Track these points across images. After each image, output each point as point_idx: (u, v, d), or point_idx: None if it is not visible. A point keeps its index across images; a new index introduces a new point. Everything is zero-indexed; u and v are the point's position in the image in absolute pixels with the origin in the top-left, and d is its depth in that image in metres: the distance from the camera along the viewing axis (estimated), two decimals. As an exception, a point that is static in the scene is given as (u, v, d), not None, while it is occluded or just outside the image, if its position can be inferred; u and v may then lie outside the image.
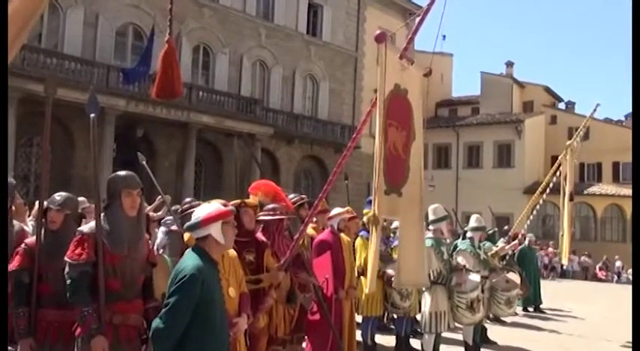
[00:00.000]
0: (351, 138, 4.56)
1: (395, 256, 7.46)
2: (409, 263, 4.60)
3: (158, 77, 4.21)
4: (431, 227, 7.12)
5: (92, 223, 3.70)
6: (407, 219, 4.58)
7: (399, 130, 4.38)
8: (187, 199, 6.26)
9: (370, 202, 7.80)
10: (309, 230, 6.42)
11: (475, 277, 7.22)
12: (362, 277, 7.25)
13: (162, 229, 7.84)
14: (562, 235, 10.58)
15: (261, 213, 4.84)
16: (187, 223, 3.46)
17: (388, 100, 4.17)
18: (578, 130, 10.83)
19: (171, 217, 8.23)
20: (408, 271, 4.61)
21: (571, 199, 9.97)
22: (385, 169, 4.17)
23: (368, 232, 7.28)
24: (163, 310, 3.16)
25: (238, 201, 4.59)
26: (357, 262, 7.20)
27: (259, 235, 4.78)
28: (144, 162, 5.77)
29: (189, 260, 3.26)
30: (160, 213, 8.20)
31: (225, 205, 3.55)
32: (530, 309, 13.82)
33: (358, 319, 7.38)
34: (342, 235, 6.43)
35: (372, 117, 4.56)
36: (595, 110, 10.88)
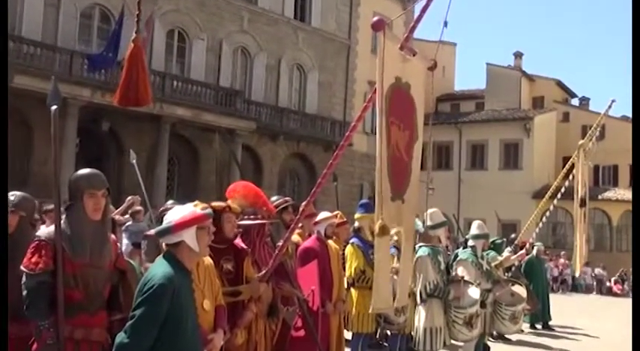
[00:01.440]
0: (342, 135, 4.61)
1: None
2: (405, 280, 4.64)
3: (121, 82, 4.22)
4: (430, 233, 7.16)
5: (52, 228, 3.70)
6: (408, 229, 4.62)
7: (402, 129, 4.37)
8: (170, 202, 6.28)
9: (363, 205, 7.85)
10: (294, 236, 6.43)
11: (474, 292, 7.25)
12: (352, 289, 7.28)
13: (125, 235, 7.84)
14: (576, 245, 10.63)
15: (240, 217, 4.84)
16: (157, 228, 3.47)
17: (389, 96, 4.16)
18: (592, 128, 10.92)
19: (130, 223, 8.24)
20: (404, 289, 4.65)
21: (581, 204, 10.03)
22: (391, 173, 4.18)
23: (360, 239, 7.34)
24: (128, 323, 3.15)
25: (223, 204, 4.60)
26: (347, 273, 7.23)
27: (238, 242, 4.78)
28: (134, 161, 5.76)
29: (159, 268, 3.26)
30: (127, 216, 8.22)
31: (205, 208, 3.55)
32: (538, 326, 13.92)
33: (347, 335, 7.40)
34: (330, 242, 6.45)
35: (367, 113, 4.57)
36: (610, 107, 10.98)
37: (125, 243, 7.85)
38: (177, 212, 3.46)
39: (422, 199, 7.61)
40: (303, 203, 5.29)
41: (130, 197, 8.28)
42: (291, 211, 5.91)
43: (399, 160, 4.32)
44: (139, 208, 8.80)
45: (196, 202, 3.82)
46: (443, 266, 7.26)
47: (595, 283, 30.12)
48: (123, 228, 8.09)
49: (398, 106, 4.29)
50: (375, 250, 4.29)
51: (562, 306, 17.33)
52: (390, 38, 4.20)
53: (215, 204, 4.41)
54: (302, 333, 5.66)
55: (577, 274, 12.08)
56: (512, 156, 36.68)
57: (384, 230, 3.96)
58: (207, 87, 25.11)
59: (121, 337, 3.16)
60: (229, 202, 4.80)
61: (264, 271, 4.63)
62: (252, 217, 4.93)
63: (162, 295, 3.14)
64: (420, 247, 7.20)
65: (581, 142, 10.68)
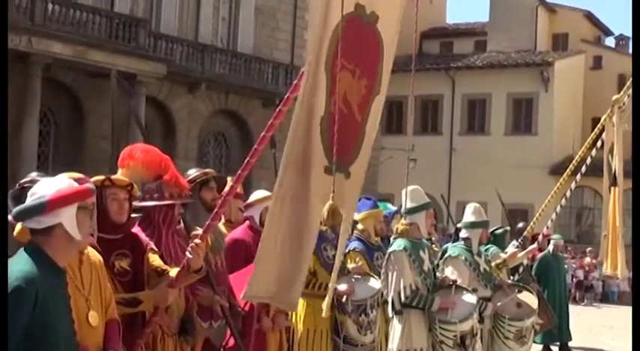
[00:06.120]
0: (288, 84, 4.56)
1: (349, 264, 7.59)
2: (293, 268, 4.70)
3: None
4: (406, 220, 7.22)
5: None
6: (350, 210, 4.66)
7: (357, 76, 4.37)
8: (33, 174, 6.15)
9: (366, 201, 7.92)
10: (223, 227, 6.42)
11: (469, 301, 7.34)
12: (300, 299, 7.34)
13: None
14: (605, 236, 10.82)
15: (139, 196, 4.82)
16: (20, 207, 3.44)
17: (343, 29, 4.16)
18: (631, 78, 11.09)
19: None
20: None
21: (614, 183, 10.19)
22: (329, 136, 4.16)
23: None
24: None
25: (101, 177, 4.57)
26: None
27: (137, 231, 4.79)
28: None
29: (15, 266, 3.25)
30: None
31: (80, 182, 3.53)
32: (554, 347, 14.22)
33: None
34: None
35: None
36: (655, 48, 11.14)
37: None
38: (49, 185, 3.43)
39: (401, 174, 7.63)
40: (234, 178, 5.27)
41: None
42: (214, 187, 5.89)
43: (346, 119, 4.29)
44: None
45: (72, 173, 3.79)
46: (427, 265, 7.32)
47: (631, 290, 30.87)
48: None
49: (353, 45, 4.26)
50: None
51: (586, 320, 17.74)
52: None
53: (92, 179, 4.38)
54: (235, 355, 5.71)
55: (618, 276, 12.05)
56: (523, 116, 37.07)
57: (332, 213, 4.01)
58: (97, 13, 24.78)
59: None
60: (120, 172, 4.76)
61: (174, 272, 4.62)
62: (155, 195, 4.92)
63: (19, 303, 3.13)
64: (395, 239, 7.27)
65: (615, 96, 10.79)
